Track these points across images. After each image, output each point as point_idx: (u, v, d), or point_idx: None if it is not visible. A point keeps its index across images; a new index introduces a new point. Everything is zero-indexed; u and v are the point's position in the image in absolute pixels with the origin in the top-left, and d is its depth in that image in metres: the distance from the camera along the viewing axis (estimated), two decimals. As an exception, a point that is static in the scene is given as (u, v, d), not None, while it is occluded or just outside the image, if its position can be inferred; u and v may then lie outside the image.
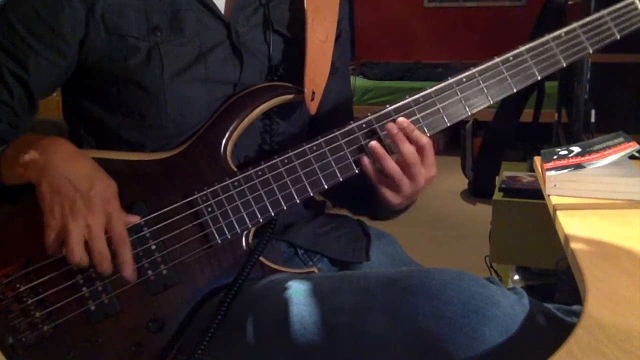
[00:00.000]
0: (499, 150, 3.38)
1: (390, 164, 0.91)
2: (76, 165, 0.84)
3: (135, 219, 0.87)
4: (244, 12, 0.99)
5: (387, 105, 0.94)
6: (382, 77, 4.92)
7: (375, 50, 5.28)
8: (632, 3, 0.98)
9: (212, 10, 0.96)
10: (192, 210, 0.90)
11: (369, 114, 0.94)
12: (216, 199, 0.90)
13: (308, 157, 0.92)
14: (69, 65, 0.94)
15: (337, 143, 0.93)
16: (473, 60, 0.97)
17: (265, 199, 0.91)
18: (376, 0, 5.35)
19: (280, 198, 0.92)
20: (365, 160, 0.92)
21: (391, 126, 0.91)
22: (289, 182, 0.92)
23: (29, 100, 0.94)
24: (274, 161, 0.92)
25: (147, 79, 0.92)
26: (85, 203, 0.80)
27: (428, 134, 0.95)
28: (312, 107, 0.98)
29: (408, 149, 0.91)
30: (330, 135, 0.93)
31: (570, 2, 2.88)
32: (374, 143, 0.91)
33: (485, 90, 0.95)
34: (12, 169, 0.84)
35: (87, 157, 0.86)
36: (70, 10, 0.90)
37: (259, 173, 0.91)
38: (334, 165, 0.92)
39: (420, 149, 0.91)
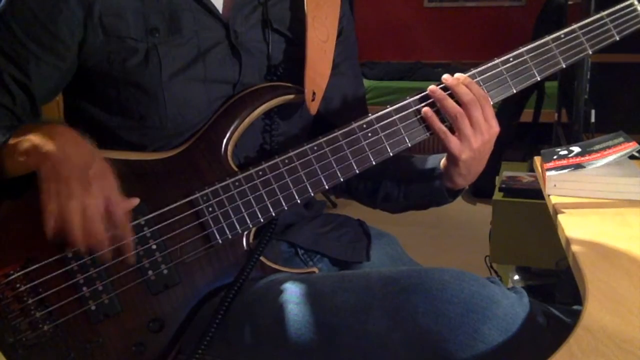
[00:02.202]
0: (499, 150, 3.38)
1: (450, 103, 0.92)
2: (76, 147, 0.83)
3: (136, 201, 0.86)
4: (242, 11, 0.99)
5: (388, 106, 0.94)
6: (382, 77, 4.92)
7: (375, 50, 5.26)
8: (632, 4, 0.99)
9: (210, 10, 0.96)
10: (193, 210, 0.90)
11: (369, 114, 0.94)
12: (217, 199, 0.91)
13: (309, 157, 0.92)
14: (68, 68, 0.94)
15: (338, 143, 0.93)
16: (473, 60, 0.97)
17: (266, 199, 0.91)
18: (376, 0, 5.35)
19: (281, 198, 0.92)
20: (428, 110, 0.93)
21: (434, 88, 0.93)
22: (289, 182, 0.92)
23: (31, 104, 0.94)
24: (274, 161, 0.92)
25: (145, 80, 0.92)
26: (82, 183, 0.79)
27: (428, 135, 0.95)
28: (313, 107, 0.98)
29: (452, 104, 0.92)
30: (331, 136, 0.93)
31: (570, 2, 2.87)
32: (432, 87, 0.93)
33: (485, 91, 0.95)
34: (13, 158, 0.83)
35: (86, 142, 0.85)
36: (68, 13, 0.90)
37: (260, 173, 0.92)
38: (335, 166, 0.92)
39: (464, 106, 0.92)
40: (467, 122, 0.92)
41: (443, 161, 1.02)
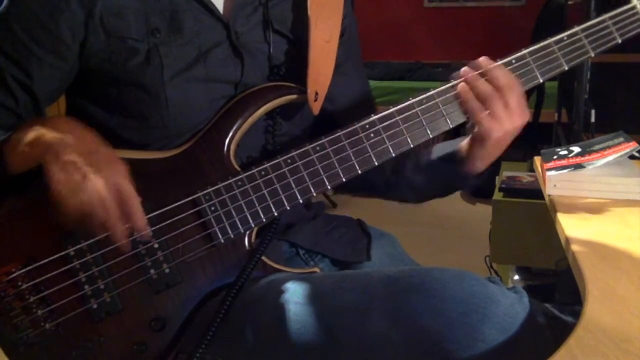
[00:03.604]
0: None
1: (484, 83, 0.91)
2: (80, 135, 0.83)
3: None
4: (243, 11, 0.99)
5: (391, 106, 0.95)
6: (382, 77, 4.91)
7: (375, 50, 5.26)
8: (634, 7, 0.99)
9: (211, 10, 0.96)
10: (195, 209, 0.90)
11: (372, 115, 0.94)
12: (219, 198, 0.91)
13: (311, 157, 0.92)
14: (70, 68, 0.94)
15: (341, 144, 0.93)
16: (473, 60, 0.97)
17: (269, 199, 0.91)
18: (376, 0, 5.34)
19: (283, 198, 0.92)
20: (464, 86, 0.92)
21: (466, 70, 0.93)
22: (292, 182, 0.92)
23: (34, 106, 0.94)
24: (277, 161, 0.92)
25: (147, 80, 0.92)
26: (90, 166, 0.79)
27: (431, 135, 0.95)
28: (315, 107, 0.98)
29: (483, 84, 0.91)
30: (334, 136, 0.93)
31: (570, 2, 2.88)
32: (465, 68, 0.93)
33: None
34: (17, 150, 0.83)
35: (90, 130, 0.85)
36: (70, 13, 0.90)
37: (262, 173, 0.92)
38: (337, 166, 0.93)
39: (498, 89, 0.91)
40: (500, 103, 0.91)
41: (463, 143, 1.00)
